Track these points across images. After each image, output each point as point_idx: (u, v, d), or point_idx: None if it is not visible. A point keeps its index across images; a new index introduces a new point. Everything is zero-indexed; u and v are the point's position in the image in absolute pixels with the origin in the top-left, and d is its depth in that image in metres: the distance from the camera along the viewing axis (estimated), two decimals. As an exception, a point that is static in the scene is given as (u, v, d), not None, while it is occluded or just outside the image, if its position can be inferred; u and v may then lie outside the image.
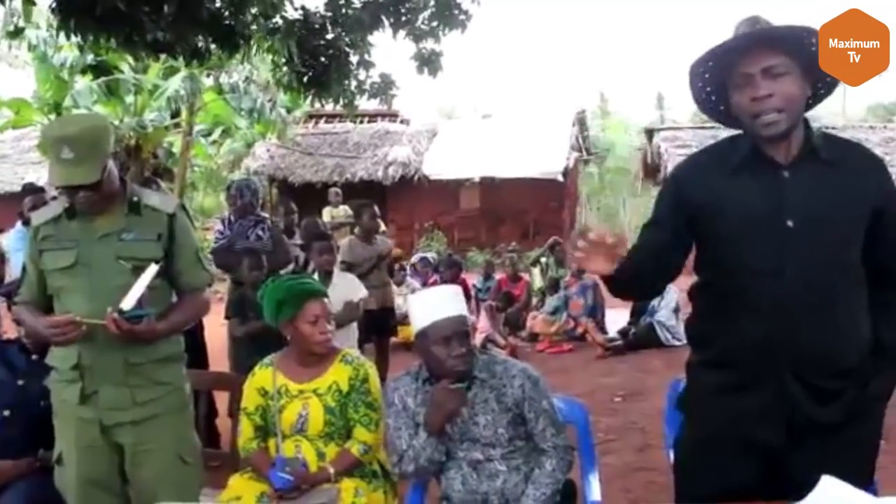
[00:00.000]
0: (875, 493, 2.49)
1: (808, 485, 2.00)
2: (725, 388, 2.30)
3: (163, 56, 7.30)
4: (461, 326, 2.80)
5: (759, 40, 2.17)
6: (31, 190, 6.69)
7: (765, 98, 2.15)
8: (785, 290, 2.17)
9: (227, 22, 6.13)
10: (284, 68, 7.12)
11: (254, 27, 6.69)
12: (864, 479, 2.27)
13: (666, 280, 2.49)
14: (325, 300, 3.34)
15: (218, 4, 6.10)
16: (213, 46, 6.36)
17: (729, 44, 2.20)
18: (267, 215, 6.73)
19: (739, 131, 2.34)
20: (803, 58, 2.17)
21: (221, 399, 5.02)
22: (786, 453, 2.27)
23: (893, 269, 2.31)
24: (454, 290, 3.04)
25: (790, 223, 2.18)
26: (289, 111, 18.11)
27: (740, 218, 2.23)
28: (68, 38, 6.05)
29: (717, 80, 2.29)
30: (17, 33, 10.74)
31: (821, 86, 2.28)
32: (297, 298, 3.28)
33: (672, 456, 2.65)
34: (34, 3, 5.59)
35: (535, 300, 10.87)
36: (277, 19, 6.67)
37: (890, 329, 2.31)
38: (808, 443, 2.25)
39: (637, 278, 2.32)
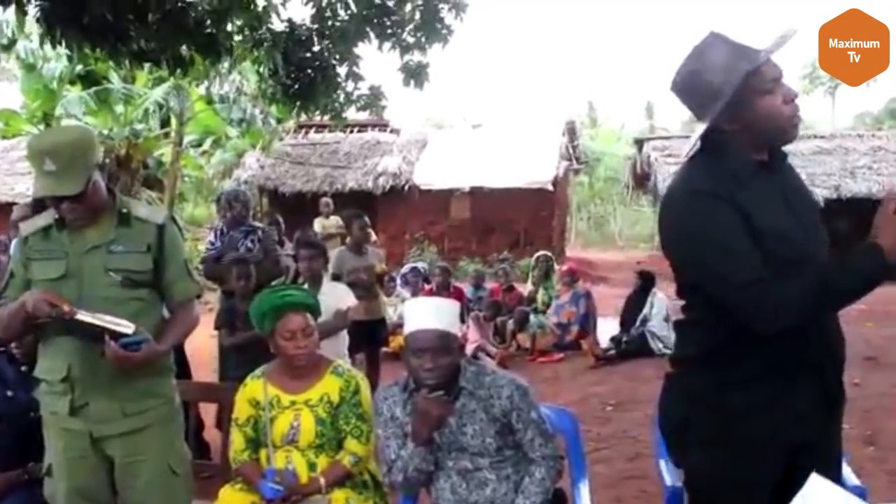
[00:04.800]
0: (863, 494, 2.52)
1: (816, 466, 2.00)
2: (771, 400, 2.21)
3: (147, 65, 7.30)
4: (438, 341, 2.77)
5: None
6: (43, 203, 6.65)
7: (795, 98, 2.17)
8: None
9: (208, 31, 6.15)
10: (270, 80, 7.13)
11: (239, 38, 6.71)
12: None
13: None
14: (307, 314, 3.34)
15: (200, 13, 6.11)
16: (196, 55, 6.37)
17: (782, 43, 2.17)
18: (260, 225, 6.72)
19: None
20: None
21: (206, 410, 5.02)
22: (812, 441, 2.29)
23: None
24: (440, 304, 3.01)
25: (803, 224, 2.22)
26: (279, 121, 18.12)
27: (776, 227, 2.16)
28: (54, 47, 6.06)
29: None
30: (9, 46, 10.73)
31: None
32: (276, 311, 3.30)
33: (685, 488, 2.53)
34: (26, 13, 5.59)
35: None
36: (264, 31, 6.68)
37: None
38: (829, 426, 2.34)
39: None
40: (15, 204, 8.37)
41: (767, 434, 2.23)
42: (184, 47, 6.20)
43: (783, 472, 2.25)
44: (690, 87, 2.24)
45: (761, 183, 2.19)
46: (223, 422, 3.94)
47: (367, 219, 7.51)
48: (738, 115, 2.17)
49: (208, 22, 6.13)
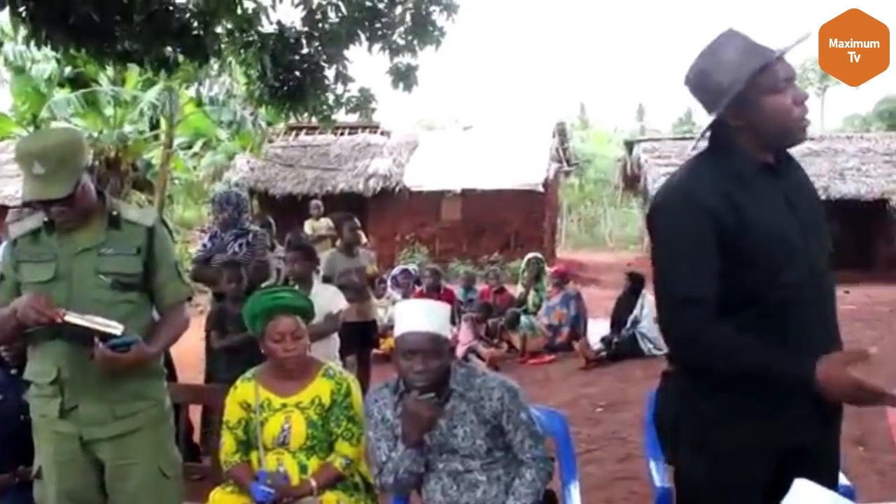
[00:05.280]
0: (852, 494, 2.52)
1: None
2: (752, 410, 2.18)
3: (137, 68, 7.31)
4: (427, 344, 2.78)
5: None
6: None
7: (805, 100, 2.17)
8: (818, 294, 2.20)
9: (195, 33, 6.15)
10: (258, 82, 7.12)
11: (227, 40, 6.70)
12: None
13: None
14: (297, 317, 3.34)
15: (188, 15, 6.11)
16: (181, 57, 6.38)
17: (795, 44, 2.17)
18: (254, 228, 6.69)
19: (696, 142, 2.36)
20: None
21: (196, 412, 5.00)
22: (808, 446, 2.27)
23: None
24: (431, 306, 3.02)
25: (804, 227, 2.20)
26: (269, 124, 18.09)
27: (775, 230, 2.15)
28: (39, 47, 6.05)
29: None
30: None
31: None
32: (266, 314, 3.30)
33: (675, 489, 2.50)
34: (20, 15, 5.57)
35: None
36: (253, 33, 6.68)
37: None
38: (826, 431, 2.31)
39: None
40: (5, 206, 8.35)
41: (748, 441, 2.20)
42: (168, 48, 6.20)
43: (775, 476, 2.21)
44: (701, 84, 2.24)
45: (764, 184, 2.19)
46: (211, 423, 3.93)
47: (357, 221, 7.51)
48: (745, 111, 2.16)
49: (195, 24, 6.12)
